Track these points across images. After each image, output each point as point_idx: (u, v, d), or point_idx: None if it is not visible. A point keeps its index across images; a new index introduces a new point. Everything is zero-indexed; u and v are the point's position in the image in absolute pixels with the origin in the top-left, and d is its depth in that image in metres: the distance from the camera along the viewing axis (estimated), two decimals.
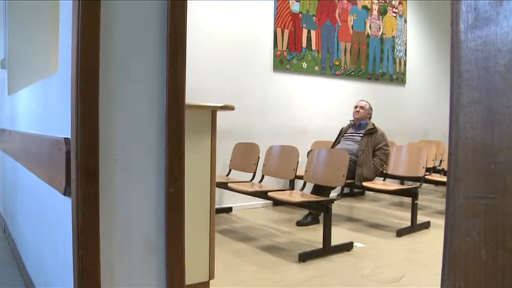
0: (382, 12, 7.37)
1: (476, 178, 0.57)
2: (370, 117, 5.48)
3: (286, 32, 6.14)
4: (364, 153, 5.05)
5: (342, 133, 5.54)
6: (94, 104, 1.53)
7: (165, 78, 1.69)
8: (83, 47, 1.52)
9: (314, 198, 4.05)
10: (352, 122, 5.51)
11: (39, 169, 2.25)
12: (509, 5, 0.52)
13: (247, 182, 4.85)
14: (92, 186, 1.55)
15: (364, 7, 7.10)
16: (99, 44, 1.55)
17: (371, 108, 5.52)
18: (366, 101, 5.57)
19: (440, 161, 6.77)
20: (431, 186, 7.24)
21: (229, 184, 4.54)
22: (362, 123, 5.39)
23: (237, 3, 5.76)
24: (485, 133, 0.55)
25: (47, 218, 2.22)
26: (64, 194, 1.68)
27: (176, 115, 1.69)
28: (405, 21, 7.74)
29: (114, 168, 1.61)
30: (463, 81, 0.60)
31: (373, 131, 5.23)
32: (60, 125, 1.81)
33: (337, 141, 5.49)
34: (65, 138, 1.66)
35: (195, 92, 4.77)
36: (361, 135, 5.24)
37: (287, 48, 6.15)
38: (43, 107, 2.28)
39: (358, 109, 5.44)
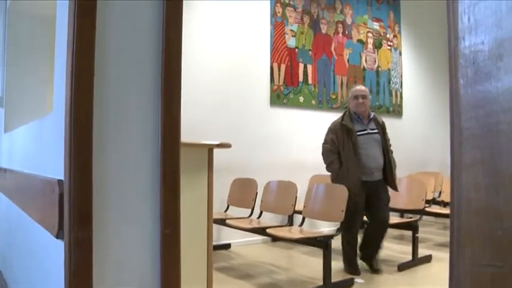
0: (377, 46, 7.45)
1: (482, 244, 0.53)
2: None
3: (283, 66, 6.19)
4: (391, 157, 4.29)
5: (344, 135, 4.21)
6: (87, 145, 1.51)
7: (160, 119, 1.67)
8: (76, 87, 1.51)
9: (313, 234, 3.99)
10: (356, 116, 4.27)
11: (32, 210, 2.21)
12: (510, 60, 0.50)
13: (245, 218, 4.79)
14: (85, 229, 1.51)
15: (360, 41, 7.18)
16: (93, 85, 1.54)
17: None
18: (364, 86, 4.75)
19: (440, 192, 6.72)
20: (431, 218, 7.16)
21: (227, 221, 4.48)
22: (371, 117, 4.34)
23: (233, 38, 5.82)
24: (489, 196, 0.52)
25: (39, 260, 2.17)
26: (57, 237, 1.64)
27: (171, 156, 1.67)
28: (400, 54, 7.82)
29: (108, 210, 1.57)
30: (465, 139, 0.57)
31: (383, 123, 4.41)
32: (54, 166, 1.78)
33: (345, 146, 4.18)
34: (58, 180, 1.63)
35: (192, 127, 4.77)
36: (376, 131, 4.28)
37: (284, 82, 6.18)
38: (38, 147, 2.26)
39: (361, 100, 4.24)
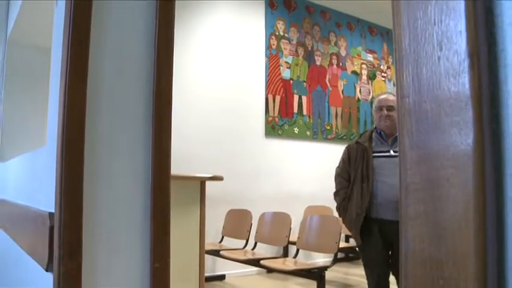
0: (371, 77, 7.56)
1: None
2: None
3: (278, 98, 6.26)
4: None
5: (358, 155, 3.31)
6: (78, 179, 1.53)
7: (150, 153, 1.70)
8: (68, 120, 1.54)
9: (307, 265, 3.98)
10: (377, 134, 3.33)
11: (24, 241, 2.21)
12: (448, 119, 0.54)
13: (240, 249, 4.77)
14: (74, 261, 1.52)
15: (354, 72, 7.28)
16: (85, 118, 1.57)
17: None
18: (394, 95, 3.37)
19: None
20: None
21: (221, 252, 4.47)
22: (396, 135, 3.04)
23: (229, 69, 5.90)
24: (432, 247, 0.55)
25: None
26: (46, 270, 1.65)
27: (161, 191, 1.69)
28: (394, 85, 7.92)
29: (98, 243, 1.58)
30: (410, 192, 0.60)
31: None
32: (46, 198, 1.80)
33: (358, 168, 3.26)
34: (49, 213, 1.64)
35: (187, 158, 4.79)
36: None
37: (278, 113, 6.25)
38: (30, 178, 2.28)
39: (385, 112, 3.25)
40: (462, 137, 0.53)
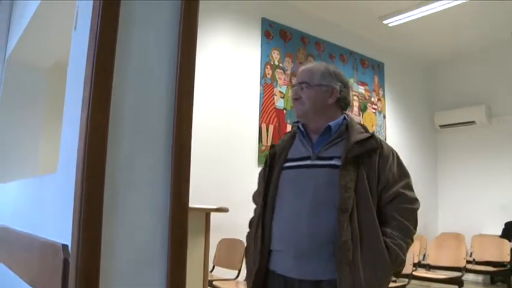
0: (363, 109, 7.62)
1: None
2: (344, 106, 2.02)
3: (271, 127, 6.26)
4: (350, 222, 1.73)
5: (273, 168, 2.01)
6: (98, 209, 1.48)
7: (170, 186, 1.66)
8: (89, 148, 1.49)
9: None
10: (299, 131, 2.01)
11: (25, 272, 2.13)
12: None
13: (232, 279, 4.69)
14: None
15: None
16: (107, 146, 1.52)
17: (336, 79, 2.00)
18: (313, 64, 2.08)
19: (424, 255, 6.74)
20: (417, 282, 7.11)
21: (214, 282, 4.38)
22: (333, 127, 1.92)
23: (223, 98, 5.89)
24: None
25: None
26: None
27: (180, 223, 1.65)
28: (384, 117, 8.00)
29: (115, 276, 1.53)
30: None
31: (369, 145, 1.86)
32: (56, 228, 1.74)
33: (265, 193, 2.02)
34: (62, 245, 1.58)
35: None
36: (334, 162, 1.83)
37: (272, 143, 6.23)
38: (36, 206, 2.20)
39: (295, 92, 2.00)
40: None
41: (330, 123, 1.91)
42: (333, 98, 1.96)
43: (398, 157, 1.99)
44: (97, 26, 1.57)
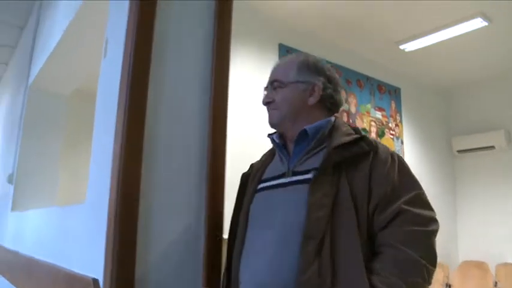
0: (380, 135, 7.54)
1: None
2: (331, 106, 1.52)
3: None
4: (320, 253, 1.21)
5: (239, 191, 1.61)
6: (132, 243, 1.43)
7: (204, 214, 1.61)
8: (123, 180, 1.45)
9: None
10: (275, 143, 1.57)
11: None
12: None
13: None
14: None
15: (363, 130, 7.28)
16: (140, 181, 1.48)
17: (317, 73, 1.50)
18: (287, 58, 1.62)
19: (446, 284, 6.56)
20: None
21: None
22: (309, 131, 1.45)
23: (241, 124, 5.86)
24: None
25: None
26: None
27: (213, 255, 1.60)
28: (402, 143, 7.91)
29: None
30: None
31: (357, 148, 1.35)
32: (84, 261, 1.69)
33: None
34: (93, 279, 1.53)
35: None
36: (309, 176, 1.34)
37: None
38: (61, 236, 2.16)
39: (265, 96, 1.60)
40: None
41: (305, 127, 1.44)
42: (315, 98, 1.48)
43: (401, 162, 1.39)
44: (130, 56, 1.55)
